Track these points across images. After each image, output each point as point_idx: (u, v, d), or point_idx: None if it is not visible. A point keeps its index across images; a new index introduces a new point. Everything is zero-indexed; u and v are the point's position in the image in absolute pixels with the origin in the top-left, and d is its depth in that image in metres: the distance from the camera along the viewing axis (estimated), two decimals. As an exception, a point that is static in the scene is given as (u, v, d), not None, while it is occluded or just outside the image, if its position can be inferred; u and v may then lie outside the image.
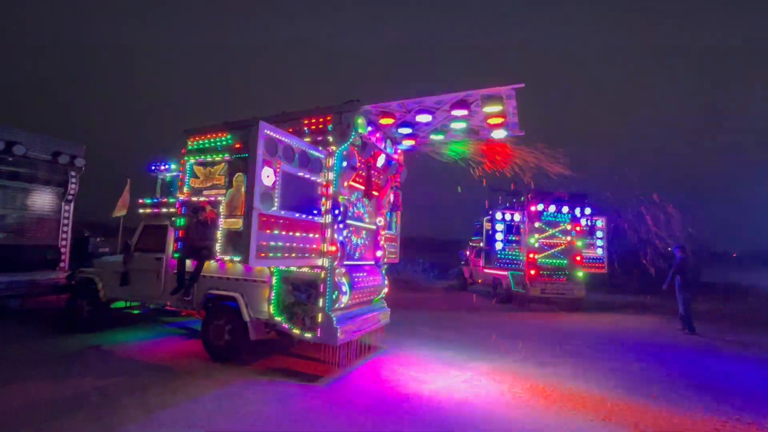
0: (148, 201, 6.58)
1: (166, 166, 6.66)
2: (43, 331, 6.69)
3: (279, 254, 4.28)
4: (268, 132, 4.13)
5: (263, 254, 4.07)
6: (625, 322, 9.78)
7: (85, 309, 6.68)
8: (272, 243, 4.17)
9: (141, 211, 6.62)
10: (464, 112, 4.98)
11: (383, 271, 6.47)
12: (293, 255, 4.52)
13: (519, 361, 5.96)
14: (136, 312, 6.80)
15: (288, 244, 4.42)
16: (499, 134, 5.78)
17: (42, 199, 8.35)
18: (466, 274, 16.95)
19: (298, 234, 4.57)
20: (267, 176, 4.10)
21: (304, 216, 4.71)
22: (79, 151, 8.71)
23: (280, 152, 4.34)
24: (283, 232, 4.34)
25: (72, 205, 8.82)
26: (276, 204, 4.22)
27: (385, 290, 6.39)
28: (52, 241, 8.45)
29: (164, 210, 6.38)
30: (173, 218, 6.10)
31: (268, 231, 4.10)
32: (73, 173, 8.69)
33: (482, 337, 7.55)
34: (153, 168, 6.84)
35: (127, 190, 7.11)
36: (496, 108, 4.82)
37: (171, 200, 6.31)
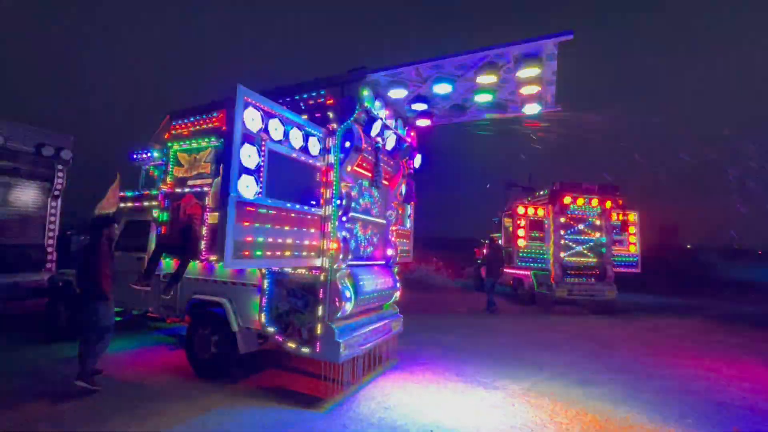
0: (130, 194, 5.85)
1: (149, 155, 5.92)
2: (20, 339, 6.04)
3: (265, 252, 3.45)
4: (250, 99, 3.31)
5: (246, 252, 3.26)
6: (666, 328, 8.72)
7: (64, 315, 6.00)
8: (256, 239, 3.35)
9: (122, 205, 5.89)
10: (493, 79, 4.08)
11: (395, 272, 5.61)
12: (285, 254, 3.69)
13: (557, 378, 5.04)
14: (117, 318, 6.07)
15: (277, 241, 3.59)
16: (531, 109, 4.86)
17: (25, 195, 7.72)
18: (483, 274, 16.01)
19: (289, 228, 3.74)
20: (248, 156, 3.28)
21: (298, 206, 3.88)
22: (65, 143, 8.05)
23: (267, 126, 3.51)
24: (271, 226, 3.51)
25: (59, 201, 8.17)
26: (261, 191, 3.40)
27: (398, 294, 5.53)
28: (37, 241, 7.81)
29: (146, 204, 5.65)
30: (155, 212, 5.36)
31: (250, 224, 3.28)
32: (59, 167, 8.03)
33: (508, 346, 6.63)
34: (135, 156, 6.11)
35: (116, 186, 6.48)
36: (533, 71, 3.90)
37: (154, 192, 5.57)
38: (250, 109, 3.34)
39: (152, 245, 5.42)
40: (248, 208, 3.27)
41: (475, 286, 15.70)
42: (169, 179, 5.32)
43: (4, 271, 7.20)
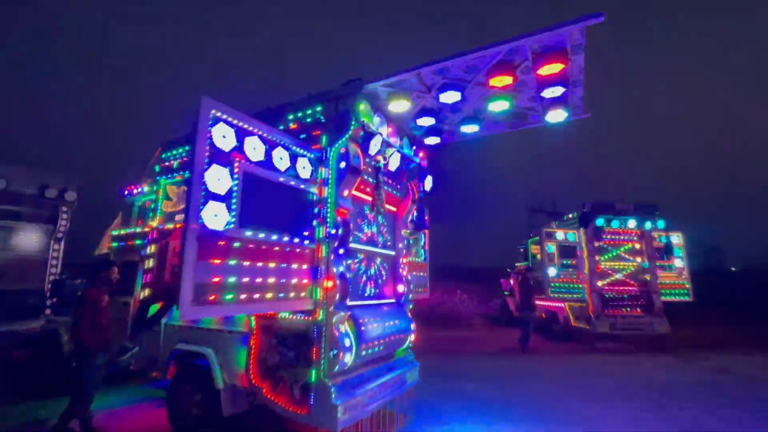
0: (118, 233, 5.44)
1: (140, 189, 5.56)
2: (3, 393, 5.52)
3: (239, 295, 2.82)
4: (220, 114, 2.82)
5: (212, 296, 2.64)
6: (736, 368, 7.40)
7: (50, 368, 5.49)
8: (227, 279, 2.74)
9: (111, 245, 5.49)
10: (509, 81, 3.48)
11: (408, 312, 4.85)
12: (265, 296, 3.05)
13: (614, 443, 4.04)
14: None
15: (256, 280, 2.97)
16: (556, 117, 4.21)
17: (27, 239, 7.50)
18: (511, 306, 14.85)
19: (272, 264, 3.12)
20: (217, 179, 2.74)
21: (285, 239, 3.28)
22: (70, 184, 7.90)
23: (242, 145, 2.99)
24: (247, 263, 2.90)
25: (62, 243, 7.92)
26: (232, 220, 2.82)
27: (412, 338, 4.74)
28: (37, 285, 7.50)
29: (135, 242, 5.20)
30: (142, 251, 4.89)
31: (218, 261, 2.68)
32: (64, 208, 7.84)
33: (548, 396, 5.61)
34: (126, 193, 5.77)
35: (115, 225, 6.30)
36: (556, 67, 3.29)
37: (140, 230, 5.14)
38: (221, 125, 2.84)
39: (137, 288, 4.91)
40: (215, 242, 2.68)
41: (504, 320, 14.50)
42: (158, 214, 4.89)
43: (2, 319, 6.85)
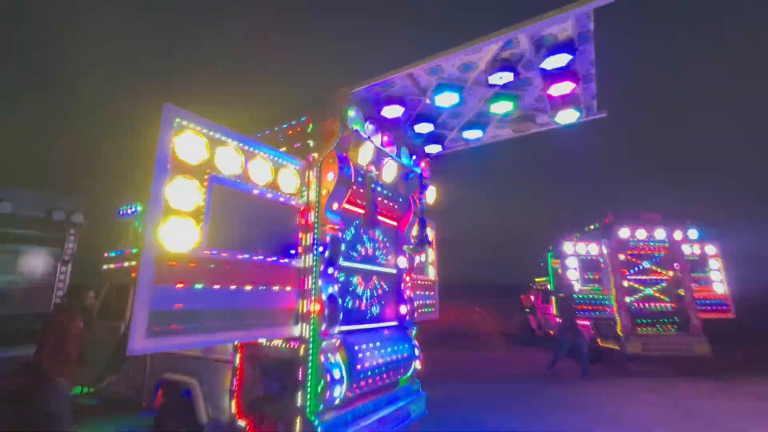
0: (113, 254, 5.29)
1: (133, 210, 5.43)
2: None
3: (205, 323, 2.51)
4: (186, 122, 2.58)
5: (172, 326, 2.33)
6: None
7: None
8: (191, 305, 2.44)
9: (105, 267, 5.34)
10: (509, 77, 3.14)
11: (412, 335, 4.43)
12: (242, 323, 2.73)
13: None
14: (90, 402, 5.28)
15: (228, 306, 2.66)
16: (567, 117, 3.83)
17: (34, 262, 7.50)
18: (533, 324, 14.10)
19: (249, 287, 2.81)
20: (180, 194, 2.48)
21: (263, 258, 2.97)
22: (77, 206, 7.93)
23: (213, 156, 2.74)
24: (217, 286, 2.60)
25: (69, 266, 7.90)
26: (199, 239, 2.54)
27: (417, 364, 4.31)
28: (43, 309, 7.44)
29: (126, 264, 5.03)
30: (132, 273, 4.70)
31: (179, 285, 2.39)
32: (71, 230, 7.85)
33: (578, 426, 5.01)
34: (121, 213, 5.65)
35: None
36: (562, 60, 2.93)
37: (134, 251, 4.97)
38: (188, 134, 2.60)
39: (128, 313, 4.70)
40: (177, 264, 2.40)
41: (525, 339, 13.74)
42: (149, 235, 4.71)
43: (5, 344, 6.78)
